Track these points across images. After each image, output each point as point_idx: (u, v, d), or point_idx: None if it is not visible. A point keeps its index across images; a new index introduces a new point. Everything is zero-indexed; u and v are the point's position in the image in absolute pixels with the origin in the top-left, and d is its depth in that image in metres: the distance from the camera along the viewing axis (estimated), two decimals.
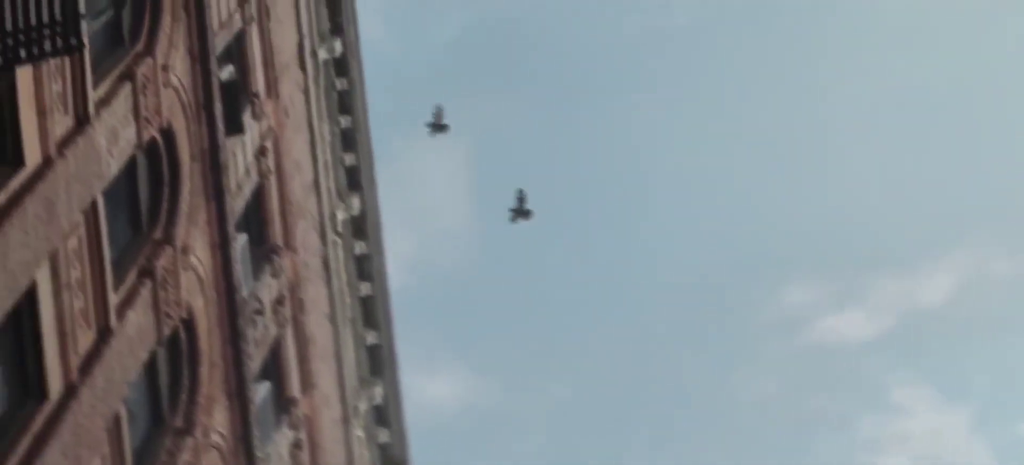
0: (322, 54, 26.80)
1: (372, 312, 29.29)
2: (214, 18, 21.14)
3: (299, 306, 25.56)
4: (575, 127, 64.60)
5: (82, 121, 16.81)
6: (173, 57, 19.68)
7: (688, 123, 64.60)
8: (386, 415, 29.92)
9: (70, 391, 16.36)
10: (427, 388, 58.92)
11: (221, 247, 21.45)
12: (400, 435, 30.15)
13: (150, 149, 19.28)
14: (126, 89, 18.10)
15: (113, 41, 18.38)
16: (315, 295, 26.58)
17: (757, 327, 64.53)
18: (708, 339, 64.52)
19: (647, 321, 63.84)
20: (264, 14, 23.79)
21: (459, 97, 64.85)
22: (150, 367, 19.36)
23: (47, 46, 14.56)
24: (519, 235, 63.57)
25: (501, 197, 63.82)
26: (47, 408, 15.83)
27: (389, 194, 30.82)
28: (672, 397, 63.35)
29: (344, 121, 27.83)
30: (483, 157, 63.82)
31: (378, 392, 29.60)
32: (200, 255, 20.75)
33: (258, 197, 23.78)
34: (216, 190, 21.24)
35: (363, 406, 29.03)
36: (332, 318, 27.64)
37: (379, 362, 29.48)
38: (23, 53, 14.45)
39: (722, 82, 64.94)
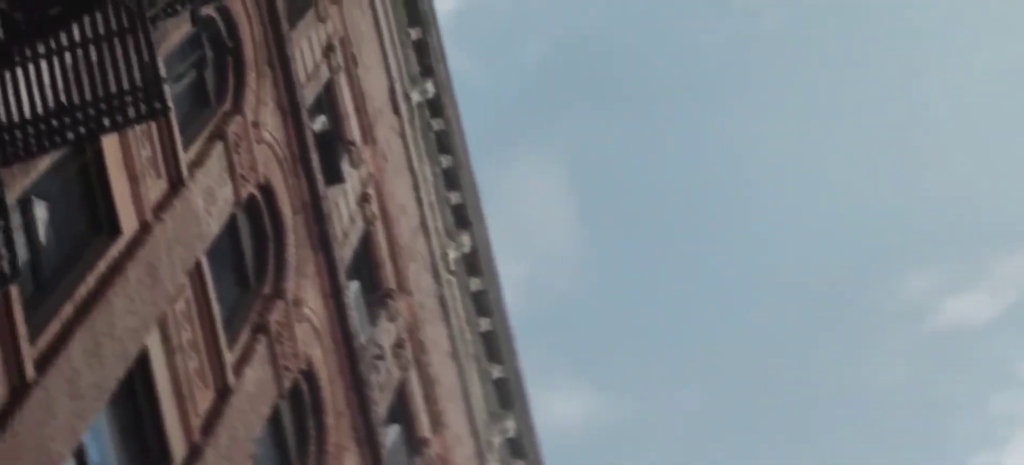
0: (415, 96, 26.42)
1: (495, 346, 28.77)
2: (300, 71, 20.83)
3: (420, 347, 25.13)
4: (672, 135, 63.58)
5: (176, 184, 16.52)
6: (263, 113, 19.37)
7: (786, 123, 63.40)
8: (521, 446, 29.36)
9: (194, 453, 16.00)
10: (555, 410, 58.04)
11: (333, 296, 21.07)
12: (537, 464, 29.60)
13: (250, 206, 18.97)
14: (218, 148, 17.81)
15: (199, 102, 18.11)
16: (435, 335, 26.14)
17: (880, 317, 63.04)
18: (832, 334, 63.15)
19: (767, 321, 62.58)
20: (351, 62, 23.45)
21: (553, 115, 64.02)
22: (275, 421, 18.98)
23: (131, 112, 14.20)
24: (629, 247, 62.83)
25: (606, 211, 63.26)
26: None
27: (494, 220, 30.17)
28: (801, 394, 62.04)
29: (445, 161, 27.41)
30: (583, 172, 62.96)
31: (510, 425, 29.05)
32: (313, 306, 20.38)
33: (366, 243, 23.40)
34: (322, 240, 20.87)
35: (496, 440, 28.51)
36: (455, 356, 27.18)
37: (507, 395, 28.95)
38: (106, 121, 14.08)
39: (817, 80, 63.62)
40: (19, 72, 12.86)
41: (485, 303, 28.49)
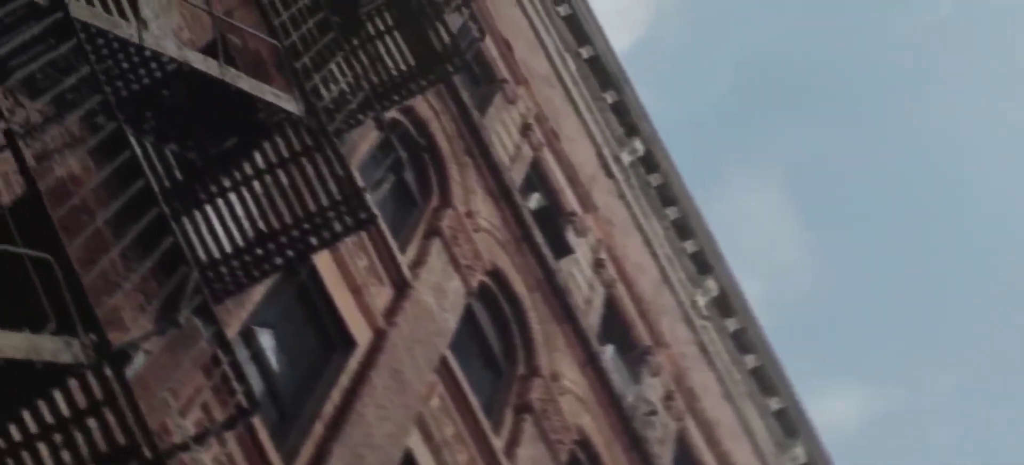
0: (625, 157, 25.28)
1: (766, 380, 27.25)
2: (501, 154, 19.90)
3: (691, 395, 23.80)
4: (876, 128, 61.08)
5: (401, 286, 15.65)
6: (474, 201, 18.47)
7: (987, 98, 60.49)
8: None
9: None
10: (830, 411, 55.69)
11: (590, 363, 19.95)
12: None
13: (483, 293, 18.03)
14: (436, 244, 16.92)
15: (404, 203, 17.29)
16: (703, 381, 24.78)
17: None
18: None
19: (1012, 290, 59.21)
20: (552, 137, 22.46)
21: (755, 133, 62.08)
22: None
23: (337, 227, 13.36)
24: (859, 243, 60.40)
25: (828, 213, 60.87)
26: None
27: (725, 246, 28.75)
28: None
29: (671, 212, 26.14)
30: (797, 181, 60.88)
31: (799, 452, 27.43)
32: (572, 377, 19.28)
33: (611, 306, 22.25)
34: (565, 312, 19.81)
35: None
36: (728, 397, 25.75)
37: (789, 422, 27.36)
38: (314, 240, 13.26)
39: (1008, 49, 60.59)
40: (209, 209, 12.10)
41: (746, 340, 27.03)
